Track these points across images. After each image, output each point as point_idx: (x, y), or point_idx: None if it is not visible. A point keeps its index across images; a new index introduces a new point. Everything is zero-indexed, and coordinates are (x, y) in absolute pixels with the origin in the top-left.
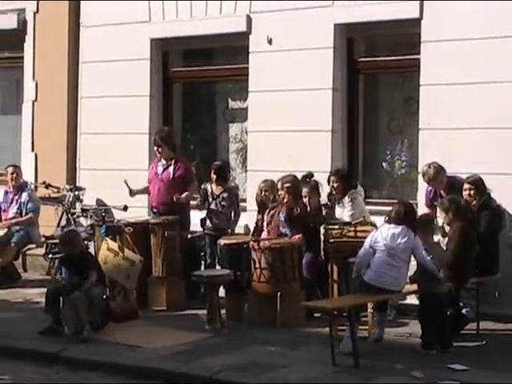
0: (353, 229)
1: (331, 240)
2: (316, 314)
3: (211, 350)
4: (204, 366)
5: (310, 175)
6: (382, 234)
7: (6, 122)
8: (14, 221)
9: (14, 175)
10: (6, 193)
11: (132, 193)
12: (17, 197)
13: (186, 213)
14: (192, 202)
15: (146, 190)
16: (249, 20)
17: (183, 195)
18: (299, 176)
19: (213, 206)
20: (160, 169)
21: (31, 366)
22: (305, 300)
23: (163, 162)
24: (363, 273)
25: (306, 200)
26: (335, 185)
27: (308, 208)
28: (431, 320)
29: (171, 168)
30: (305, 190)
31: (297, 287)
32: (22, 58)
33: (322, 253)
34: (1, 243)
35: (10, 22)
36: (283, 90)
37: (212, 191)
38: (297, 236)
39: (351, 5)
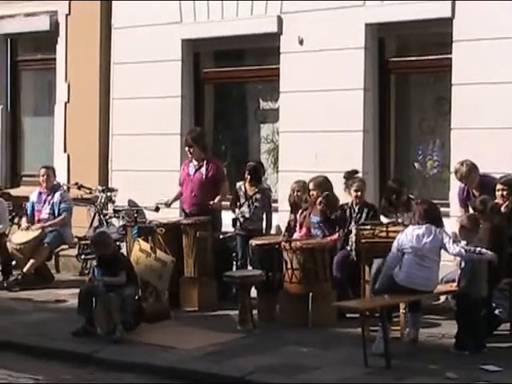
0: (385, 229)
1: (363, 240)
2: (348, 315)
3: (243, 350)
4: (236, 367)
5: (355, 171)
6: (407, 236)
7: (39, 124)
8: (48, 223)
9: (45, 177)
10: (40, 193)
11: (168, 205)
12: (49, 197)
13: (218, 213)
14: (223, 203)
15: (179, 195)
16: (280, 21)
17: (216, 199)
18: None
19: (245, 207)
20: (192, 170)
21: (65, 366)
22: (336, 300)
23: (195, 162)
24: (395, 274)
25: (355, 194)
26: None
27: (355, 203)
28: (466, 320)
29: (203, 169)
30: (356, 185)
31: (328, 288)
32: (55, 59)
33: (354, 253)
34: (34, 244)
35: (42, 24)
36: (314, 91)
37: (245, 192)
38: (332, 237)
39: (382, 4)
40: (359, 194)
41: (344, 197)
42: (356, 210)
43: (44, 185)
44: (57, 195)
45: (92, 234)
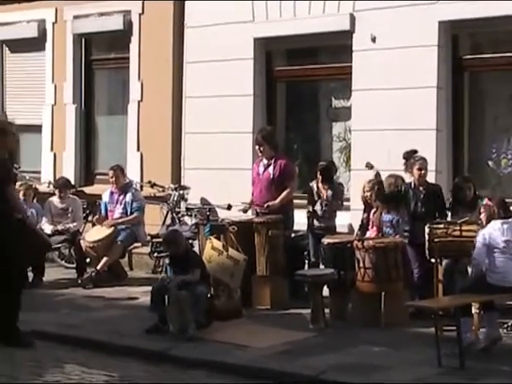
0: (458, 228)
1: (436, 239)
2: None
3: (315, 349)
4: (309, 366)
5: (414, 151)
6: (496, 230)
7: (113, 122)
8: (120, 220)
9: (114, 178)
10: (112, 193)
11: (245, 211)
12: (121, 197)
13: (289, 212)
14: (295, 201)
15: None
16: (352, 18)
17: (277, 200)
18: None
19: (318, 206)
20: (261, 168)
21: (138, 363)
22: (409, 299)
23: (265, 161)
24: (487, 275)
25: (419, 173)
26: None
27: (418, 183)
28: None
29: (271, 167)
30: (420, 163)
31: (401, 287)
32: (128, 58)
33: (427, 252)
34: (108, 242)
35: (116, 24)
36: (387, 89)
37: (318, 190)
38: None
39: (456, 2)
40: (422, 172)
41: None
42: (421, 189)
43: (114, 185)
44: (128, 195)
45: (164, 232)
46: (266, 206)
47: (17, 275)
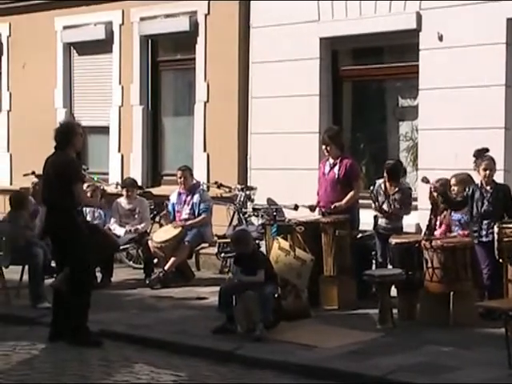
0: None
1: (506, 239)
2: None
3: (383, 349)
4: (377, 366)
5: (485, 149)
6: None
7: (179, 123)
8: (188, 222)
9: (182, 179)
10: (179, 194)
11: (312, 209)
12: (189, 198)
13: (355, 212)
14: (361, 201)
15: None
16: (419, 17)
17: (343, 201)
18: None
19: (385, 206)
20: (327, 168)
21: (206, 363)
22: (478, 300)
23: (331, 161)
24: None
25: (484, 173)
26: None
27: (485, 183)
28: None
29: (337, 167)
30: (485, 163)
31: (470, 287)
32: (194, 59)
33: (496, 252)
34: (175, 242)
35: (182, 25)
36: (454, 88)
37: (385, 190)
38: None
39: None
40: (487, 172)
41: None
42: (488, 189)
43: (182, 186)
44: (196, 196)
45: (232, 232)
46: (332, 206)
47: (86, 275)
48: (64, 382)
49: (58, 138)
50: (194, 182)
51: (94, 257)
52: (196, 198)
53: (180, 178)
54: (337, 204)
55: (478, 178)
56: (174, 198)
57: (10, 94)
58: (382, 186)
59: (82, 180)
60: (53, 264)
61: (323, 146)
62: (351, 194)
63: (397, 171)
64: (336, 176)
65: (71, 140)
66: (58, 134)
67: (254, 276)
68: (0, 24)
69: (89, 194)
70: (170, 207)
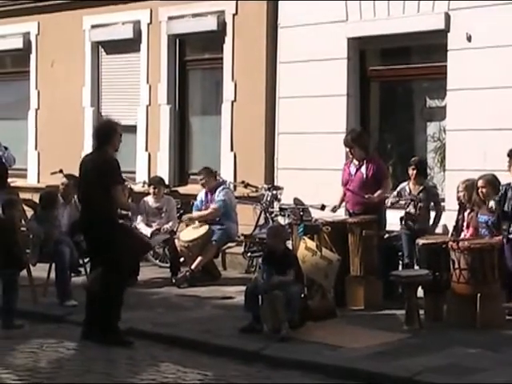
0: None
1: None
2: None
3: (410, 350)
4: (404, 367)
5: None
6: None
7: (206, 123)
8: (195, 214)
9: (204, 181)
10: (207, 194)
11: (335, 209)
12: (214, 196)
13: (382, 212)
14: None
15: (343, 196)
16: (447, 17)
17: (375, 194)
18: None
19: (411, 206)
20: (353, 169)
21: (232, 363)
22: (506, 301)
23: (355, 162)
24: None
25: None
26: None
27: None
28: None
29: (363, 168)
30: None
31: (497, 288)
32: (222, 59)
33: None
34: (202, 242)
35: (210, 24)
36: (483, 88)
37: (410, 191)
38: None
39: None
40: None
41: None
42: None
43: (205, 188)
44: (216, 193)
45: (271, 226)
46: (367, 196)
47: (120, 276)
48: (91, 380)
49: (98, 136)
50: (220, 180)
51: (128, 258)
52: (216, 195)
53: (201, 179)
54: (370, 195)
55: (510, 178)
56: (202, 196)
57: (39, 93)
58: (407, 188)
59: (121, 183)
60: (79, 261)
61: (346, 149)
62: (382, 190)
63: (423, 166)
64: (364, 176)
65: (111, 139)
66: (98, 132)
67: (284, 275)
68: (29, 23)
69: None
70: (198, 202)
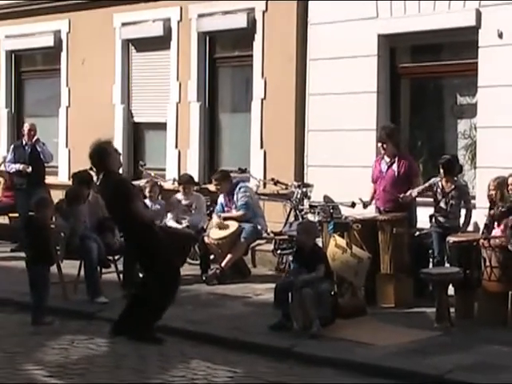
0: None
1: None
2: None
3: (440, 348)
4: (434, 365)
5: None
6: None
7: (236, 120)
8: (224, 214)
9: (218, 187)
10: (225, 197)
11: (365, 205)
12: (233, 198)
13: (413, 210)
14: (418, 199)
15: (373, 193)
16: (478, 14)
17: (408, 193)
18: None
19: (442, 204)
20: (384, 166)
21: (262, 360)
22: None
23: (386, 159)
24: None
25: None
26: None
27: None
28: None
29: (395, 165)
30: None
31: None
32: (252, 56)
33: None
34: (232, 239)
35: (240, 22)
36: None
37: (442, 188)
38: None
39: None
40: None
41: None
42: None
43: (221, 191)
44: (235, 196)
45: (302, 222)
46: (401, 196)
47: (172, 276)
48: (121, 376)
49: (93, 164)
50: (235, 181)
51: (176, 257)
52: (235, 197)
53: (216, 185)
54: (401, 195)
55: None
56: (222, 199)
57: (69, 90)
58: (440, 183)
59: (136, 198)
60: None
61: (379, 144)
62: (413, 188)
63: (452, 166)
64: (396, 174)
65: (107, 162)
66: (92, 160)
67: (314, 271)
68: (59, 21)
69: (147, 190)
70: (218, 207)
